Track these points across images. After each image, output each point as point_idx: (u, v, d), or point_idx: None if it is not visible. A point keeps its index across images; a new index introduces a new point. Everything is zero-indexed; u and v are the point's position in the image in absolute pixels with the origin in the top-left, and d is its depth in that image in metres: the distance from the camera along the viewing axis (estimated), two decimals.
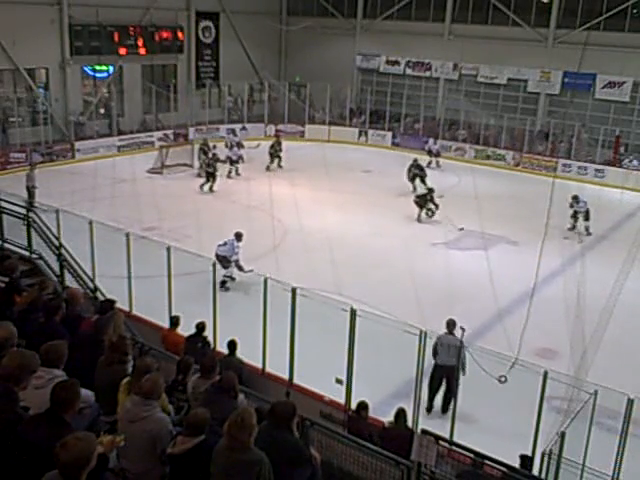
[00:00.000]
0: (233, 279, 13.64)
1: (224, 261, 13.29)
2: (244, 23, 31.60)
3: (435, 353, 9.42)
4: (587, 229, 18.66)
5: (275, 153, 24.57)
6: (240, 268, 13.55)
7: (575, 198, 18.67)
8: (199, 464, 4.22)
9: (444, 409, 9.52)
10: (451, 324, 9.43)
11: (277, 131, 30.07)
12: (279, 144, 24.90)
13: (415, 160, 22.77)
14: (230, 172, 22.86)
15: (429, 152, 26.21)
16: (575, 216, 18.69)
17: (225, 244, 13.53)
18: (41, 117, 25.10)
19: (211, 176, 21.14)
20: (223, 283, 13.28)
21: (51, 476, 3.38)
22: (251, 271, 12.90)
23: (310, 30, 32.14)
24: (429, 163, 25.50)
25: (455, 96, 30.04)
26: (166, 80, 29.85)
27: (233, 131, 27.01)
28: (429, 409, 9.60)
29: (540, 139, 27.81)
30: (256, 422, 4.19)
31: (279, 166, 24.59)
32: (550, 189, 13.00)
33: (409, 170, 22.35)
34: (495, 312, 12.55)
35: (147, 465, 4.53)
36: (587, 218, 18.62)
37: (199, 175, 22.42)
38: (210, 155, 22.05)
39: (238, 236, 13.68)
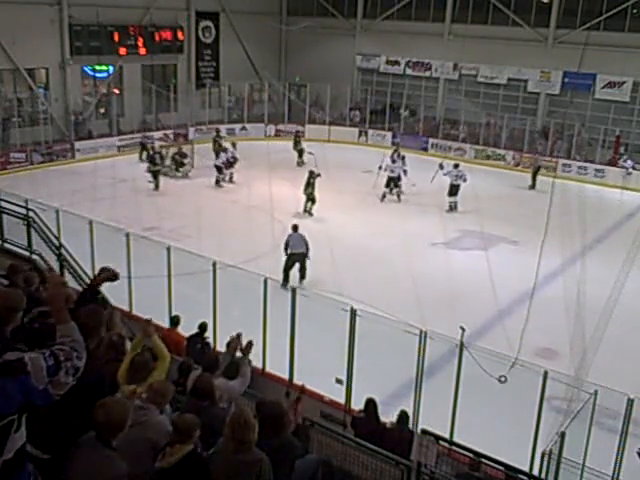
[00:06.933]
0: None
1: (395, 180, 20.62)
2: (244, 23, 31.60)
3: (287, 246, 13.98)
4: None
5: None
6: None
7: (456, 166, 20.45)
8: (190, 475, 4.08)
9: (302, 278, 14.05)
10: (295, 227, 14.36)
11: (218, 130, 26.58)
12: (219, 145, 24.11)
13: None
14: (219, 180, 22.25)
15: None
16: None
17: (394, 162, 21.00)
18: (41, 117, 25.11)
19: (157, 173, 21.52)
20: (398, 195, 20.78)
21: (87, 438, 3.48)
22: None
23: (310, 30, 32.13)
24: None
25: (455, 96, 30.06)
26: (166, 80, 29.86)
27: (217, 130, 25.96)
28: (285, 284, 12.89)
29: (540, 139, 27.82)
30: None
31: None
32: (550, 189, 13.02)
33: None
34: (495, 312, 12.54)
35: (144, 468, 4.51)
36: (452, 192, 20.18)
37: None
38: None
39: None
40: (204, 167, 24.26)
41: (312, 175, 19.32)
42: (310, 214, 19.08)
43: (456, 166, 20.53)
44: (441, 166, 20.40)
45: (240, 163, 22.89)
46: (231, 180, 22.62)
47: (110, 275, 4.77)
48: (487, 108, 28.89)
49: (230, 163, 22.63)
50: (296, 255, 14.14)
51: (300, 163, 25.10)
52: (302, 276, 14.28)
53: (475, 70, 29.51)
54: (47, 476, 3.64)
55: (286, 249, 14.04)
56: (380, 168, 21.26)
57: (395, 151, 23.21)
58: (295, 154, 25.64)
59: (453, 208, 20.15)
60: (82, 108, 26.81)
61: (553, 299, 12.91)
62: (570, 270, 14.90)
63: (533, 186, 24.07)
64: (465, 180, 20.26)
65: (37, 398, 2.85)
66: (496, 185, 24.06)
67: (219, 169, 22.33)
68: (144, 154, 23.77)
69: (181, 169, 23.22)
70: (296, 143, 25.79)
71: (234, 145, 23.41)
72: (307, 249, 14.09)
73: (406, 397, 9.01)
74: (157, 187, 21.45)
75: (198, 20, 30.42)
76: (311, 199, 19.24)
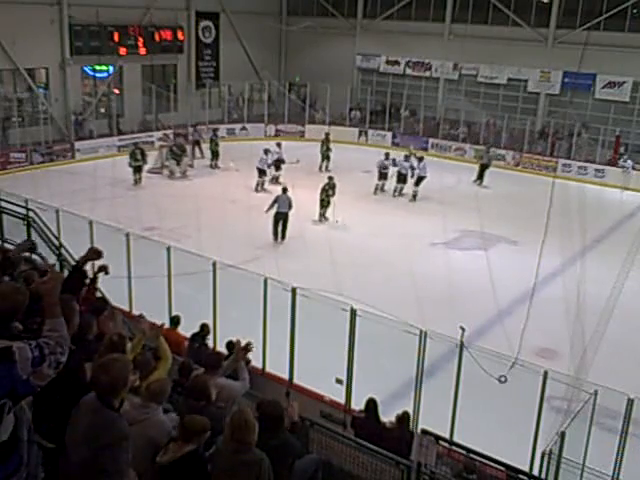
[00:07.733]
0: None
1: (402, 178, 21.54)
2: (244, 23, 31.59)
3: (275, 204, 16.26)
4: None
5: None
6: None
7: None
8: (188, 475, 4.09)
9: (282, 237, 16.47)
10: (284, 189, 16.80)
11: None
12: (216, 145, 24.86)
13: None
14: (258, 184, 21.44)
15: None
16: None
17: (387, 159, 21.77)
18: (41, 117, 25.10)
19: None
20: (414, 196, 21.30)
21: (88, 400, 3.43)
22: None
23: (310, 30, 32.13)
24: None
25: (455, 96, 30.05)
26: (166, 80, 29.85)
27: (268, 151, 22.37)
28: (275, 240, 16.37)
29: (540, 139, 27.81)
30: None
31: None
32: (550, 189, 13.00)
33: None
34: (495, 312, 12.54)
35: (144, 466, 4.51)
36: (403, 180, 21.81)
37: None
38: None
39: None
40: (203, 167, 24.35)
41: (330, 182, 18.83)
42: (325, 218, 18.68)
43: (420, 159, 21.94)
44: (413, 168, 21.84)
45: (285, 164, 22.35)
46: (277, 181, 21.60)
47: (94, 254, 4.80)
48: (487, 108, 28.87)
49: (277, 166, 21.91)
50: (280, 214, 16.29)
51: (324, 168, 24.14)
52: (282, 236, 16.49)
53: (475, 70, 29.50)
54: (52, 464, 3.67)
55: (275, 208, 16.42)
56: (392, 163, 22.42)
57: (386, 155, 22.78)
58: (319, 157, 24.65)
59: (416, 196, 21.46)
60: (82, 108, 26.82)
61: (553, 299, 12.92)
62: (570, 270, 14.90)
63: (480, 180, 24.03)
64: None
65: (20, 387, 2.94)
66: (496, 185, 24.03)
67: (261, 172, 21.35)
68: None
69: (178, 167, 23.11)
70: (323, 145, 24.69)
71: (279, 145, 22.66)
72: (290, 208, 16.31)
73: (406, 397, 9.02)
74: (137, 182, 21.56)
75: (198, 20, 30.40)
76: (325, 205, 18.71)
